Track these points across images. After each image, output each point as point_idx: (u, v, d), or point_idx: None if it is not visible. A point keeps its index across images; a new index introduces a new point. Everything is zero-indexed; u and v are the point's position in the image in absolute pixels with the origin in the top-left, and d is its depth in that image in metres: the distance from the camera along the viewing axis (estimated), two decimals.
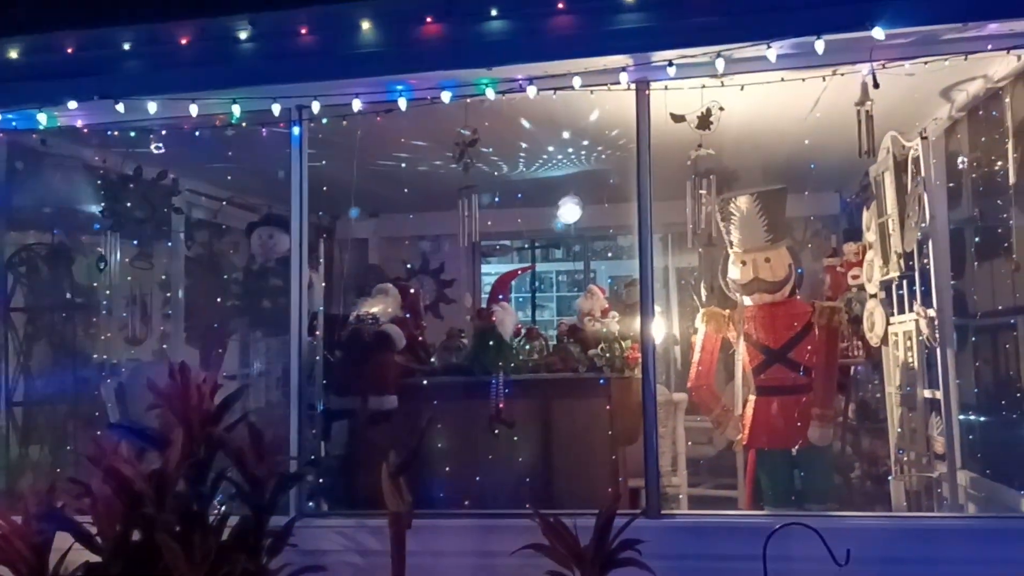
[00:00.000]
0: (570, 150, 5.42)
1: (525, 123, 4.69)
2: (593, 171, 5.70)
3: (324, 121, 4.22)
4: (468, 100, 4.07)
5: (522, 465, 4.35)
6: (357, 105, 3.92)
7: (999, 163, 4.30)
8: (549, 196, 6.49)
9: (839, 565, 3.21)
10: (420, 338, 4.80)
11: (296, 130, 4.24)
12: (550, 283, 11.93)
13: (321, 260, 4.71)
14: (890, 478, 4.62)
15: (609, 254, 8.98)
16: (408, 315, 4.74)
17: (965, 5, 3.32)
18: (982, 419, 4.57)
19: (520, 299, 9.56)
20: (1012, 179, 4.11)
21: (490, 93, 3.82)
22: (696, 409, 5.10)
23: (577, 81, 3.74)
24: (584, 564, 3.50)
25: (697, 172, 4.35)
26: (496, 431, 4.29)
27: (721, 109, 4.14)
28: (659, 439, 5.40)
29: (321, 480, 4.34)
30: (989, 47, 3.76)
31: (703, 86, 3.98)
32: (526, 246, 9.07)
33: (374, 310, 4.47)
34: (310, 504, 4.21)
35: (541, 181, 6.16)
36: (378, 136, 4.63)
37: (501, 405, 4.27)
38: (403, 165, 5.41)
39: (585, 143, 5.24)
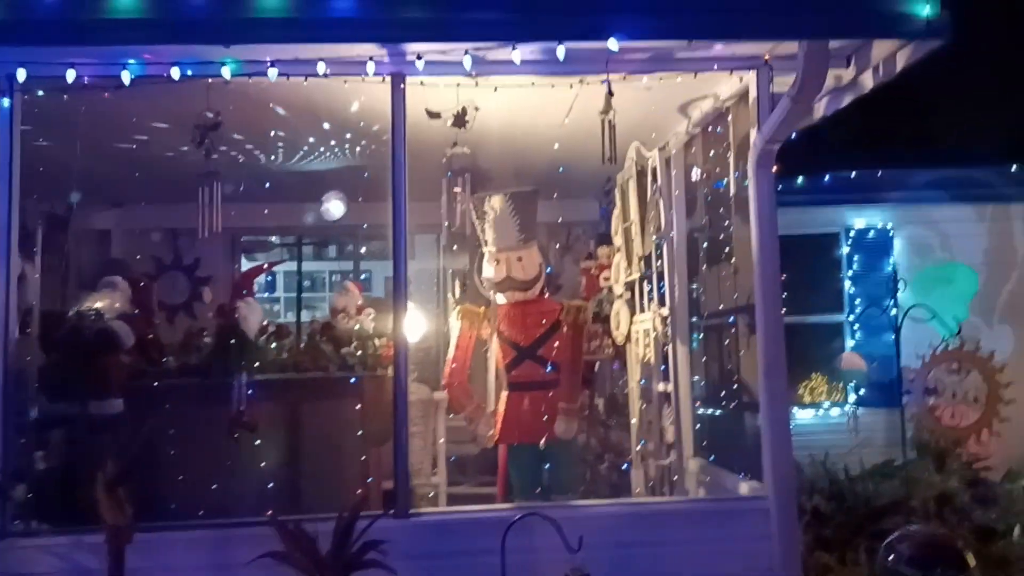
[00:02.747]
0: (333, 143, 5.23)
1: (280, 110, 4.46)
2: (360, 166, 5.55)
3: (40, 93, 3.77)
4: (210, 81, 3.80)
5: (266, 471, 4.13)
6: (71, 76, 3.51)
7: (724, 177, 4.70)
8: (317, 191, 6.26)
9: (572, 551, 3.32)
10: (151, 336, 4.41)
11: (6, 102, 3.75)
12: (321, 282, 11.59)
13: (37, 250, 4.18)
14: (624, 466, 4.89)
15: (385, 253, 8.83)
16: (138, 311, 4.33)
17: (691, 24, 3.56)
18: (710, 410, 4.97)
19: (287, 298, 9.20)
20: (732, 191, 4.49)
21: (226, 72, 3.57)
22: (451, 407, 5.12)
23: (322, 67, 3.60)
24: (324, 569, 3.39)
25: (452, 169, 4.35)
26: (236, 436, 4.03)
27: (476, 109, 4.18)
28: (420, 438, 5.42)
29: (31, 495, 3.84)
30: (715, 67, 4.11)
31: (458, 84, 4.00)
32: (293, 243, 8.73)
33: (98, 305, 4.04)
34: (16, 523, 3.73)
35: (308, 175, 5.89)
36: (111, 116, 4.21)
37: (243, 408, 4.02)
38: (134, 147, 4.91)
39: (348, 136, 5.08)
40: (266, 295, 9.25)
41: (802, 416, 7.72)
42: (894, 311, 6.73)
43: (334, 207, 5.86)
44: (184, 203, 6.49)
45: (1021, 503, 5.72)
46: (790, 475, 3.98)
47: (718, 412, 4.80)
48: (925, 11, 3.44)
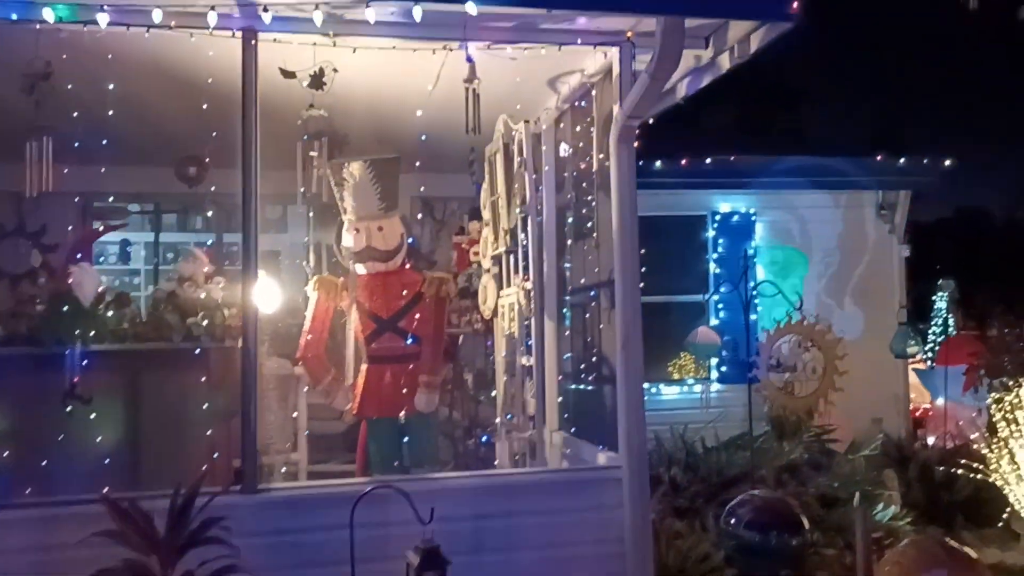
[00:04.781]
0: (186, 102, 4.93)
1: (121, 63, 4.15)
2: (212, 128, 5.27)
3: None
4: (39, 27, 3.51)
5: (103, 446, 3.87)
6: None
7: (589, 153, 4.73)
8: (169, 154, 5.92)
9: (423, 523, 3.29)
10: None
11: None
12: (185, 254, 10.99)
13: None
14: (484, 439, 4.89)
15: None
16: None
17: None
18: (572, 384, 5.03)
19: (146, 271, 8.70)
20: (595, 167, 4.53)
21: (48, 15, 3.30)
22: (308, 380, 4.97)
23: (158, 15, 3.37)
24: (160, 548, 3.22)
25: (309, 133, 4.19)
26: (69, 409, 3.77)
27: (335, 71, 4.03)
28: (278, 414, 5.24)
29: None
30: (579, 41, 4.11)
31: (315, 44, 3.84)
32: (152, 210, 8.26)
33: None
34: None
35: (160, 137, 5.57)
36: None
37: (76, 379, 3.75)
38: None
39: (200, 96, 4.80)
40: (122, 267, 8.72)
41: (668, 392, 7.98)
42: (754, 292, 7.01)
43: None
44: (24, 170, 6.09)
45: (861, 472, 6.11)
46: (643, 445, 4.06)
47: (580, 385, 4.86)
48: None
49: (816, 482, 5.45)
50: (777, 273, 7.97)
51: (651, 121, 4.58)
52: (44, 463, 3.76)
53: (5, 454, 3.71)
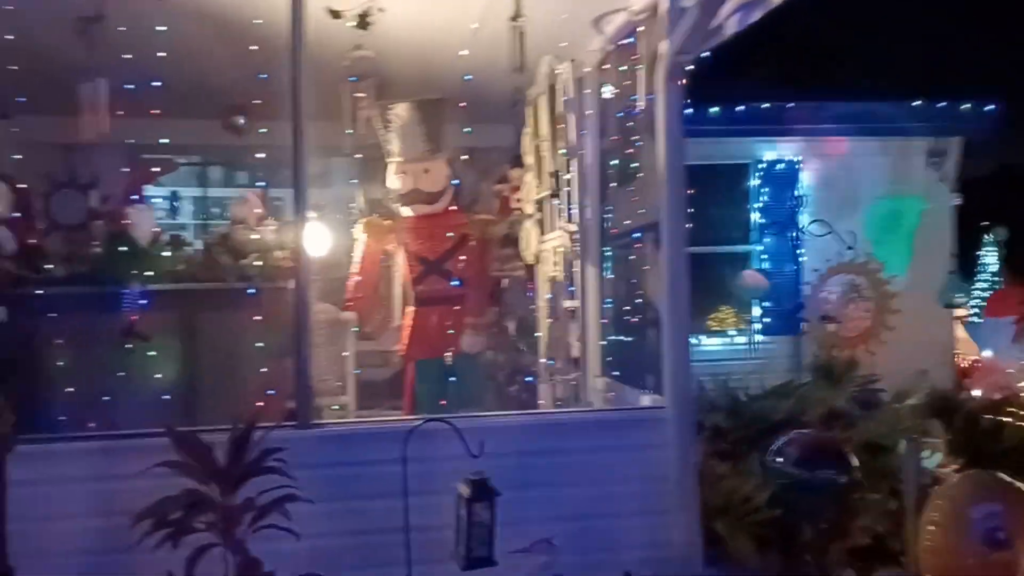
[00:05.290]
0: (233, 47, 4.93)
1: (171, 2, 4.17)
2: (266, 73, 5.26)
3: None
4: None
5: (161, 383, 3.99)
6: None
7: (635, 93, 4.68)
8: (216, 105, 5.95)
9: (474, 456, 3.34)
10: (35, 242, 4.16)
11: None
12: (237, 198, 11.06)
13: None
14: (528, 380, 4.93)
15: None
16: (20, 216, 4.08)
17: None
18: (616, 327, 5.04)
19: (194, 226, 8.83)
20: (642, 107, 4.48)
21: None
22: (357, 321, 5.04)
23: None
24: (220, 478, 3.33)
25: (356, 74, 4.19)
26: (129, 346, 3.88)
27: (381, 10, 4.02)
28: (327, 359, 5.33)
29: None
30: None
31: None
32: (197, 162, 8.37)
33: None
34: None
35: (211, 87, 5.57)
36: None
37: (135, 318, 3.86)
38: (11, 39, 4.54)
39: (252, 40, 4.79)
40: (171, 220, 8.87)
41: (709, 343, 7.95)
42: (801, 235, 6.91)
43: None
44: (78, 116, 6.18)
45: (907, 420, 6.06)
46: (688, 386, 4.08)
47: (624, 329, 4.87)
48: None
49: (861, 428, 5.41)
50: (887, 227, 7.72)
51: (692, 68, 4.52)
52: (106, 398, 3.89)
53: (69, 389, 3.84)
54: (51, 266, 4.03)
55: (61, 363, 3.82)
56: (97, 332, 3.95)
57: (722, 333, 7.99)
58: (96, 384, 3.90)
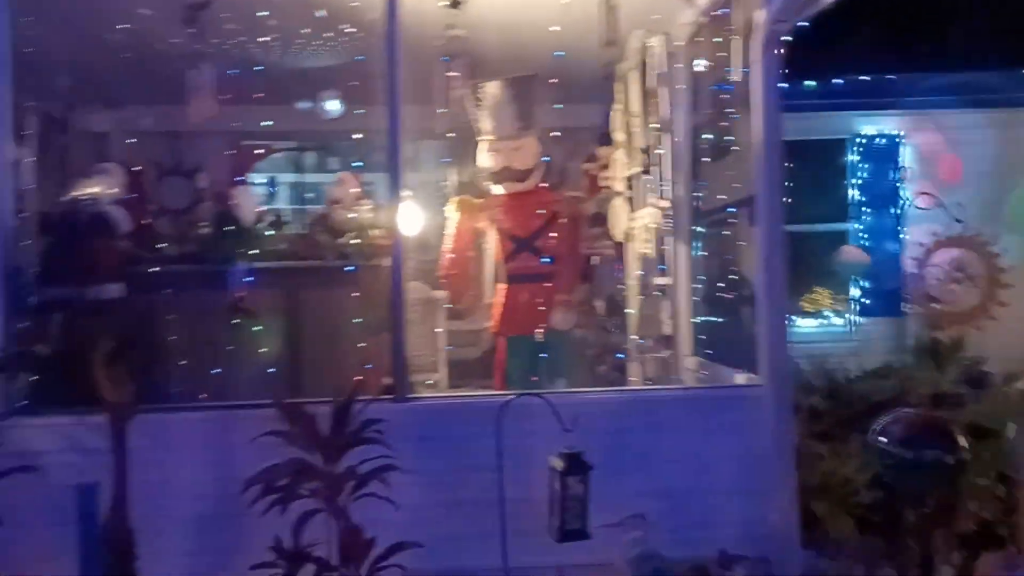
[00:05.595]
0: (330, 31, 5.04)
1: None
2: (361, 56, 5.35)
3: None
4: None
5: (266, 356, 4.16)
6: None
7: (729, 66, 4.58)
8: (312, 91, 6.09)
9: (567, 431, 3.37)
10: (147, 222, 4.38)
11: None
12: (325, 196, 11.33)
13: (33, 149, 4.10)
14: (619, 356, 4.91)
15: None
16: (135, 197, 4.30)
17: None
18: (708, 305, 4.97)
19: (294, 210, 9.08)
20: (737, 80, 4.38)
21: None
22: (449, 298, 5.12)
23: None
24: (324, 447, 3.45)
25: (449, 53, 4.24)
26: (236, 321, 4.05)
27: None
28: (419, 337, 5.44)
29: (34, 377, 3.88)
30: None
31: None
32: (295, 148, 8.60)
33: (92, 191, 3.99)
34: (20, 403, 3.79)
35: (305, 73, 5.72)
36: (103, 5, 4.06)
37: (241, 295, 4.02)
38: (125, 33, 4.74)
39: (350, 29, 4.89)
40: (268, 206, 9.15)
41: (803, 324, 7.73)
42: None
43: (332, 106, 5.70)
44: (183, 105, 6.43)
45: (1016, 404, 5.77)
46: (785, 363, 3.99)
47: (716, 306, 4.80)
48: None
49: (968, 410, 5.19)
50: None
51: (789, 38, 4.39)
52: (216, 371, 4.08)
53: (182, 362, 4.04)
54: (164, 245, 4.23)
55: (174, 337, 4.01)
56: (206, 308, 4.14)
57: (817, 314, 7.76)
58: (206, 358, 4.09)
